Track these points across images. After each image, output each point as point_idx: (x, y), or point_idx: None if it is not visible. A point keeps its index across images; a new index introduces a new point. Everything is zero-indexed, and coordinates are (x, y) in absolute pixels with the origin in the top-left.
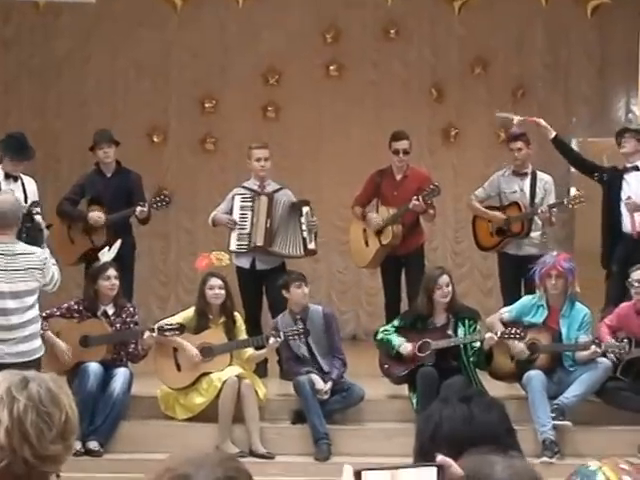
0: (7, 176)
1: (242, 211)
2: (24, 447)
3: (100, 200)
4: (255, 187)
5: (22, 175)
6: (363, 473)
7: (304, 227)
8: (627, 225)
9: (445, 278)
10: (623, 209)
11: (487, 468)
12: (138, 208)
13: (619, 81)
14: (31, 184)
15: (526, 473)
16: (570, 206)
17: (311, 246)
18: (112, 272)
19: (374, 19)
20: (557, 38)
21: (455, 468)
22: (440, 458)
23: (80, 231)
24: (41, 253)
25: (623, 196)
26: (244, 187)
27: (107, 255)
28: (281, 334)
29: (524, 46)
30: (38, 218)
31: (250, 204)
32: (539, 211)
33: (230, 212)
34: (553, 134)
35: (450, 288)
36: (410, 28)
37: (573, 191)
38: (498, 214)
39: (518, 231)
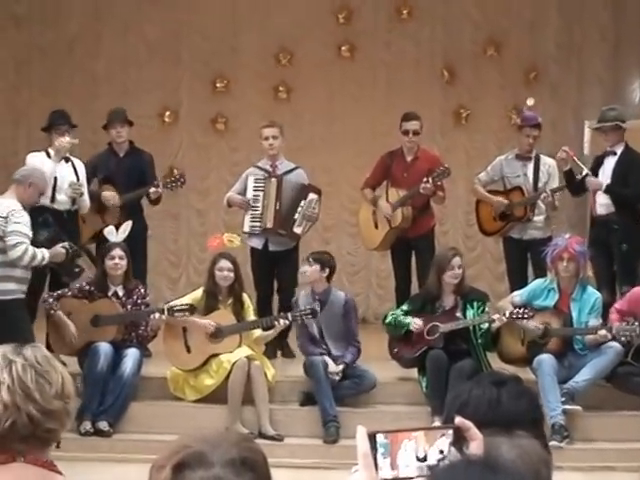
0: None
1: (255, 192)
2: (28, 403)
3: (112, 180)
4: (267, 167)
5: (72, 157)
6: (378, 435)
7: (299, 210)
8: (598, 209)
9: (458, 259)
10: (598, 193)
11: (493, 450)
12: (152, 189)
13: (634, 62)
14: (81, 166)
15: (534, 452)
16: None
17: (296, 230)
18: (117, 252)
19: None
20: (570, 18)
21: (474, 431)
22: (458, 420)
23: (92, 211)
24: (9, 205)
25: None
26: (257, 167)
27: (116, 236)
28: (289, 315)
29: (537, 27)
30: (83, 196)
31: (262, 185)
32: (542, 196)
33: (244, 192)
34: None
35: (461, 270)
36: (423, 8)
37: (579, 177)
38: (500, 199)
39: (521, 215)
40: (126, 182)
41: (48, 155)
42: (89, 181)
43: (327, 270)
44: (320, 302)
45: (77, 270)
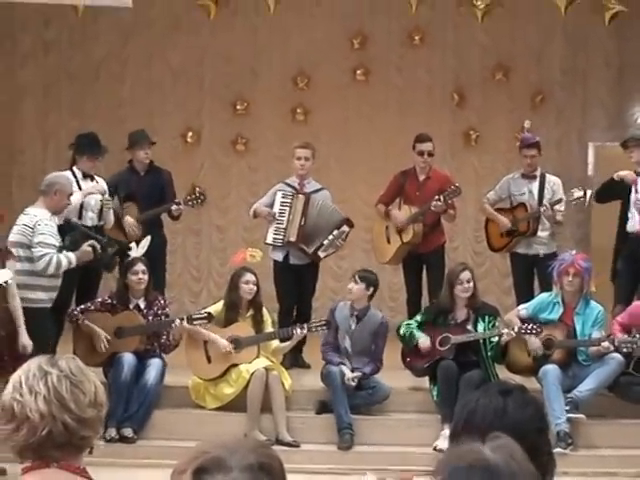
0: (84, 175)
1: (281, 207)
2: (63, 412)
3: (134, 197)
4: (295, 185)
5: (96, 176)
6: None
7: (330, 237)
8: (634, 225)
9: (467, 274)
10: (632, 210)
11: (478, 454)
12: (174, 206)
13: (636, 87)
14: (103, 183)
15: (515, 447)
16: (573, 203)
17: (321, 254)
18: (140, 267)
19: (399, 26)
20: (575, 46)
21: None
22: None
23: (114, 227)
24: (36, 214)
25: (632, 198)
26: (286, 183)
27: (136, 251)
28: (305, 326)
29: (544, 54)
30: (109, 211)
31: (289, 201)
32: (542, 209)
33: (271, 206)
34: None
35: (471, 284)
36: (434, 35)
37: (576, 191)
38: (504, 219)
39: (525, 230)
40: (147, 199)
41: (73, 174)
42: (111, 198)
43: (371, 289)
44: (357, 318)
45: (112, 261)
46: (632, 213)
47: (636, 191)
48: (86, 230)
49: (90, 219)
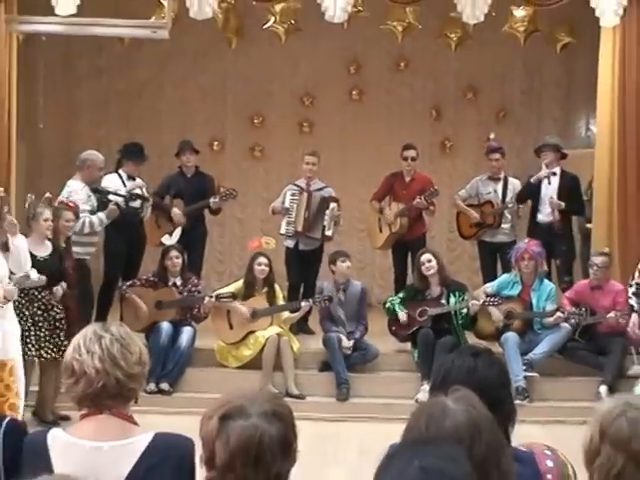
0: (128, 177)
1: (290, 203)
2: (115, 369)
3: (181, 196)
4: (302, 185)
5: (137, 177)
6: None
7: (326, 218)
8: (543, 217)
9: (425, 256)
10: (543, 204)
11: (440, 406)
12: (211, 200)
13: (581, 105)
14: (142, 183)
15: (474, 397)
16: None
17: (328, 233)
18: (174, 253)
19: (387, 55)
20: (532, 70)
21: None
22: None
23: (165, 219)
24: (69, 186)
25: (542, 194)
26: (295, 184)
27: (169, 240)
28: (310, 300)
29: (506, 77)
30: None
31: (296, 198)
32: (509, 206)
33: (283, 204)
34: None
35: (432, 263)
36: (416, 62)
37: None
38: (474, 213)
39: (491, 223)
40: (192, 198)
41: (119, 175)
42: (163, 196)
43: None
44: (343, 290)
45: (138, 211)
46: (542, 207)
47: (546, 188)
48: (109, 191)
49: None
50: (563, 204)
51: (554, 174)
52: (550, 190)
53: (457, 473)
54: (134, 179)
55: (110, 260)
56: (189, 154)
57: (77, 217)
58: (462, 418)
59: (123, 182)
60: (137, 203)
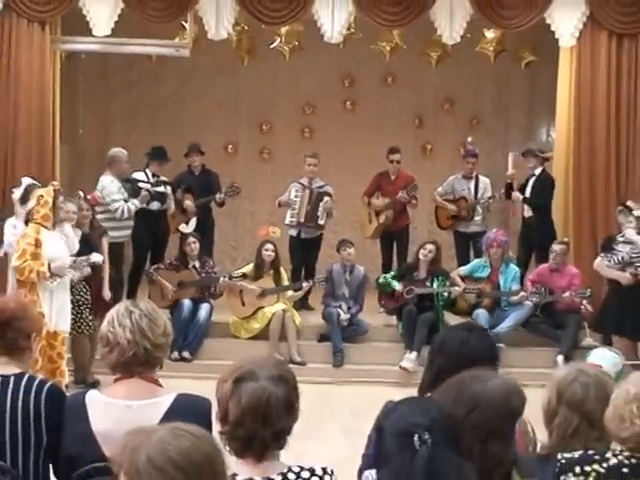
0: (153, 175)
1: (294, 198)
2: (144, 340)
3: (191, 190)
4: (305, 183)
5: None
6: None
7: (320, 209)
8: (525, 213)
9: (430, 246)
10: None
11: (480, 382)
12: (217, 195)
13: (543, 115)
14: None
15: (515, 383)
16: (500, 199)
17: (320, 222)
18: (191, 239)
19: (377, 71)
20: (501, 85)
21: None
22: None
23: (178, 211)
24: (101, 182)
25: (527, 194)
26: (298, 182)
27: (187, 228)
28: (310, 281)
29: (478, 90)
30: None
31: (300, 194)
32: (480, 201)
33: (289, 198)
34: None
35: (432, 254)
36: (401, 77)
37: (502, 191)
38: (452, 206)
39: (465, 215)
40: (200, 192)
41: (146, 174)
42: (175, 191)
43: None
44: (350, 272)
45: (165, 196)
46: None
47: (529, 188)
48: (139, 179)
49: (155, 205)
50: (521, 196)
51: (534, 175)
52: (528, 189)
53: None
54: (158, 177)
55: (138, 248)
56: (195, 155)
57: (94, 205)
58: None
59: (148, 178)
60: (159, 200)
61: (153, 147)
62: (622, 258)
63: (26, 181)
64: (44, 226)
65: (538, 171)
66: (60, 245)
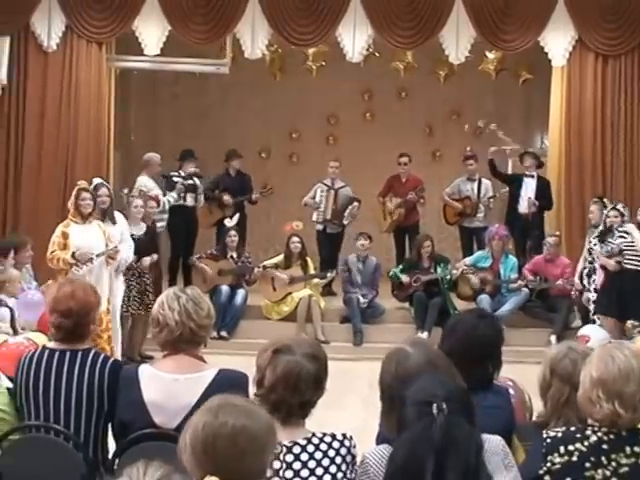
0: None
1: (320, 197)
2: (190, 321)
3: (228, 189)
4: (329, 183)
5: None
6: None
7: (347, 212)
8: (521, 210)
9: (427, 242)
10: (523, 199)
11: (402, 352)
12: (254, 195)
13: (538, 125)
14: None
15: (427, 342)
16: (500, 197)
17: (344, 222)
18: (232, 232)
19: (392, 86)
20: (501, 98)
21: None
22: None
23: (216, 207)
24: (139, 181)
25: (522, 192)
26: (323, 183)
27: (230, 222)
28: (334, 271)
29: (481, 103)
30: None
31: (325, 194)
32: (482, 201)
33: (314, 198)
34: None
35: (429, 248)
36: (414, 91)
37: (502, 191)
38: (458, 205)
39: (470, 212)
40: (236, 191)
41: (179, 174)
42: (214, 190)
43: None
44: (363, 262)
45: (198, 192)
46: (522, 202)
47: (525, 189)
48: (174, 174)
49: (189, 202)
50: (537, 203)
51: (532, 176)
52: (529, 191)
53: None
54: (192, 178)
55: (175, 239)
56: (233, 159)
57: (158, 205)
58: (420, 359)
59: (180, 174)
60: (192, 191)
61: (183, 150)
62: (611, 249)
63: (96, 181)
64: (73, 221)
65: (535, 173)
66: (85, 237)
